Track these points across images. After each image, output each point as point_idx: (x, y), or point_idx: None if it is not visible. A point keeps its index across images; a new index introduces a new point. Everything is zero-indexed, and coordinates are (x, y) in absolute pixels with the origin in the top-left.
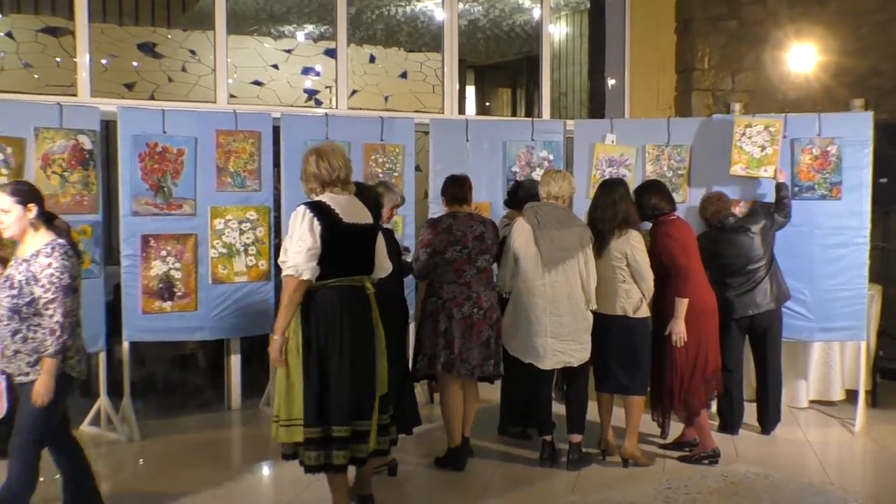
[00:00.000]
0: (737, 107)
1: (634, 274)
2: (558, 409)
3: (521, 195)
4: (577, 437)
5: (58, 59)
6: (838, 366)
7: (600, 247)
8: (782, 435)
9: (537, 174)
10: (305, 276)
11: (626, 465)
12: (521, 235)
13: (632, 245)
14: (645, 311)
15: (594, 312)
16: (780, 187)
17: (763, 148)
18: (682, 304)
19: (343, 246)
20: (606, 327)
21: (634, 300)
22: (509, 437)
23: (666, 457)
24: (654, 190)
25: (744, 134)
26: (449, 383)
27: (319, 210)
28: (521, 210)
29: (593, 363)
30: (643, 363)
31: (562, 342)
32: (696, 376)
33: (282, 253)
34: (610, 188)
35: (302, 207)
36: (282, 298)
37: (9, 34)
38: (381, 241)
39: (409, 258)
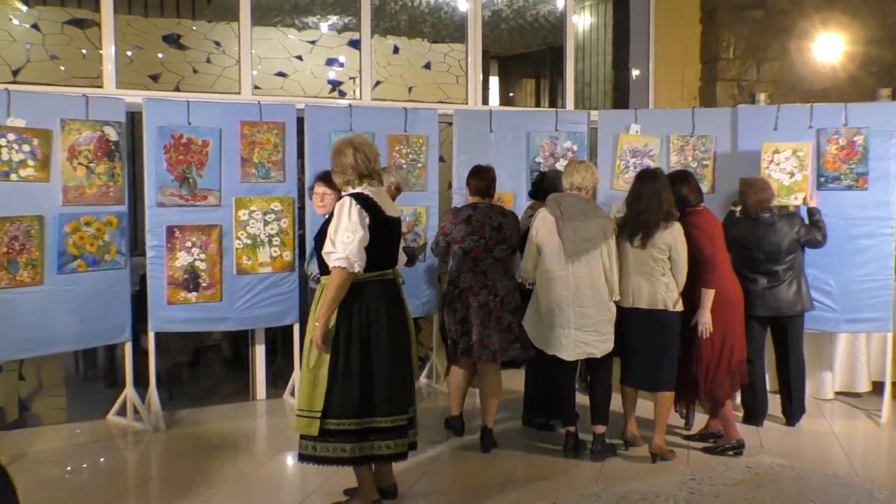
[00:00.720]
0: (762, 97)
1: (674, 266)
2: (582, 399)
3: (545, 186)
4: (600, 428)
5: (84, 51)
6: (864, 357)
7: (645, 238)
8: (807, 426)
9: (561, 165)
10: (356, 269)
11: (655, 461)
12: (545, 226)
13: (675, 237)
14: (681, 305)
15: (630, 308)
16: (812, 212)
17: (792, 175)
18: (709, 295)
19: (382, 239)
20: (643, 321)
21: (674, 294)
22: (533, 428)
23: (690, 448)
24: (683, 181)
25: (772, 161)
26: (454, 364)
27: (366, 202)
28: (546, 201)
29: (621, 357)
30: (674, 358)
31: (585, 333)
32: (722, 367)
33: (327, 244)
34: (653, 178)
35: (348, 199)
36: (328, 288)
37: (35, 26)
38: None
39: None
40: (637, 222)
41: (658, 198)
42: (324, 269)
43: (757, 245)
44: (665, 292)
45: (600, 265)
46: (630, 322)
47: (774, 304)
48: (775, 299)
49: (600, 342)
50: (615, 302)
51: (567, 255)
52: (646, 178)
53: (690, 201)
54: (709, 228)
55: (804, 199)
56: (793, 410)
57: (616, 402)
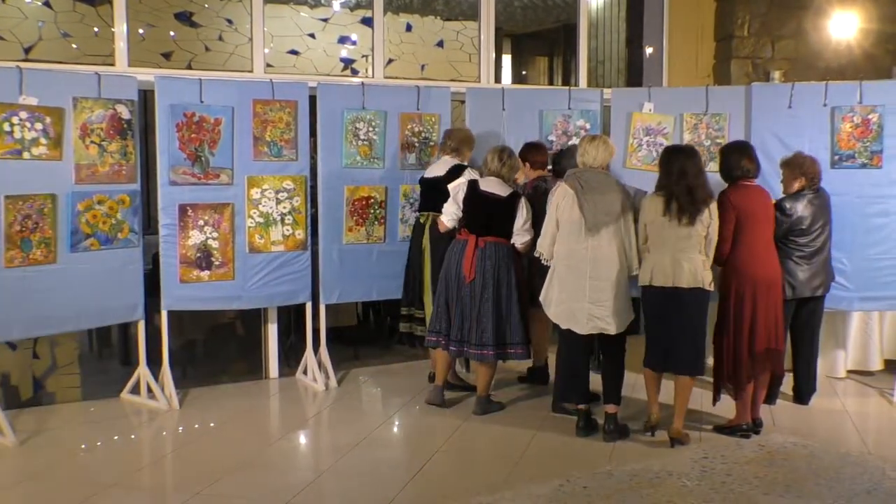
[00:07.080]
0: (776, 75)
1: (709, 244)
2: (594, 380)
3: (563, 164)
4: (612, 408)
5: (96, 29)
6: (877, 335)
7: (693, 215)
8: (820, 405)
9: (574, 143)
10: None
11: (673, 445)
12: (565, 200)
13: (712, 213)
14: (713, 284)
15: (670, 288)
16: None
17: None
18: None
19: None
20: (680, 300)
21: (709, 272)
22: (561, 413)
23: (701, 429)
24: (738, 151)
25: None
26: (537, 316)
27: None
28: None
29: (648, 339)
30: (703, 338)
31: (598, 307)
32: (743, 350)
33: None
34: (694, 154)
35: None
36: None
37: (47, 3)
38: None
39: None
40: (687, 199)
41: (702, 175)
42: None
43: (798, 224)
44: (702, 270)
45: (619, 240)
46: (665, 302)
47: (812, 285)
48: (816, 277)
49: (613, 318)
50: (646, 281)
51: (587, 229)
52: (688, 153)
53: (739, 173)
54: (727, 204)
55: None
56: (805, 388)
57: (629, 384)
